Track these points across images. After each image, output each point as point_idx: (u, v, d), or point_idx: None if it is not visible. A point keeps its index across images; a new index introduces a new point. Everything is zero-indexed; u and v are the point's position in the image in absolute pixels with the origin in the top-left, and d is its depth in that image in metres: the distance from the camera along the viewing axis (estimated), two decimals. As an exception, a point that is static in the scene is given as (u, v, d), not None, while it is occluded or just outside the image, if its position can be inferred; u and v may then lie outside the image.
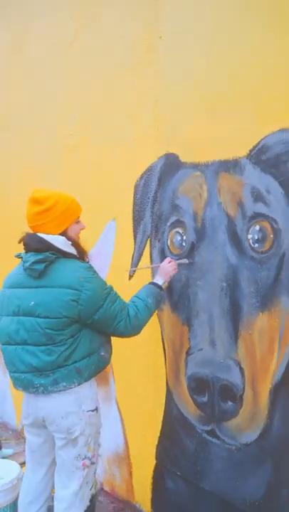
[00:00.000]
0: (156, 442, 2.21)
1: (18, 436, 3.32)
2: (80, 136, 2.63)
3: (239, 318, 1.79)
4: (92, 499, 2.10)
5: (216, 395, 1.86)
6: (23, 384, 1.71)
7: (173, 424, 2.10)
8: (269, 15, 1.67)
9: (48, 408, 1.70)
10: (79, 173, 2.62)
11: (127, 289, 1.98)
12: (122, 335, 1.76)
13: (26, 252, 1.73)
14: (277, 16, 1.64)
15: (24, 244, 1.73)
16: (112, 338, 1.84)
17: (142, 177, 2.22)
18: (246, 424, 1.78)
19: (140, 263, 2.24)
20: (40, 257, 1.65)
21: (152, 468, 2.25)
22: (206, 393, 1.90)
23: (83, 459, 1.73)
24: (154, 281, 1.90)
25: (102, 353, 1.76)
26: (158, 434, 2.19)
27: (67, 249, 1.72)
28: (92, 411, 1.75)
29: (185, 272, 1.99)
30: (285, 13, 1.62)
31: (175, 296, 2.05)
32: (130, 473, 2.40)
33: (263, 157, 1.70)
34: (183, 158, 2.01)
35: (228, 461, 1.85)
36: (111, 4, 2.39)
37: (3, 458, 2.75)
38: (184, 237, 2.00)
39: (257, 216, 1.73)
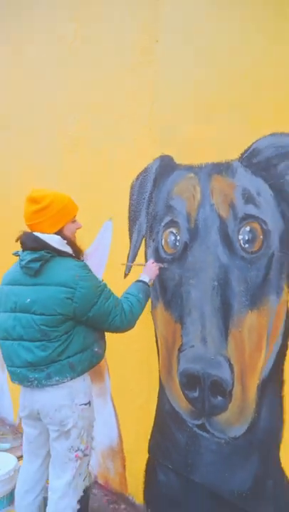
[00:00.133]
0: (148, 436, 2.27)
1: (16, 431, 3.37)
2: (79, 138, 2.67)
3: (229, 316, 1.84)
4: (86, 491, 2.16)
5: (207, 390, 1.91)
6: (18, 378, 1.77)
7: (165, 418, 2.16)
8: (264, 23, 1.71)
9: (43, 401, 1.76)
10: (77, 174, 2.67)
11: (123, 286, 2.03)
12: (117, 329, 1.82)
13: (23, 251, 1.78)
14: (271, 24, 1.69)
15: (21, 243, 1.79)
16: (106, 334, 1.90)
17: (137, 178, 2.27)
18: (235, 418, 1.83)
19: (135, 261, 2.30)
20: (35, 255, 1.70)
21: (145, 462, 2.30)
22: (197, 388, 1.96)
23: (76, 451, 1.79)
24: (141, 278, 1.99)
25: (96, 349, 1.82)
26: (151, 429, 2.25)
27: (62, 248, 1.76)
28: (85, 404, 1.81)
29: (178, 271, 2.04)
30: (279, 22, 1.67)
31: (168, 295, 2.11)
32: (124, 467, 2.46)
33: (254, 160, 1.75)
34: (177, 160, 2.07)
35: (218, 454, 1.91)
36: (110, 5, 2.43)
37: (1, 451, 2.80)
38: (178, 237, 2.05)
39: (247, 217, 1.78)
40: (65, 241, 1.78)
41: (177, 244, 2.06)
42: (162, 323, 2.16)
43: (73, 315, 1.71)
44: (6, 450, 2.99)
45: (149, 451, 2.28)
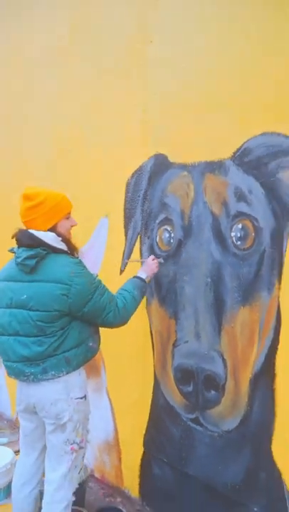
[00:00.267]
0: (144, 431, 2.31)
1: (13, 426, 3.39)
2: (75, 137, 2.69)
3: (222, 312, 1.88)
4: (82, 485, 2.20)
5: (200, 384, 1.95)
6: (15, 372, 1.80)
7: (160, 412, 2.19)
8: (255, 26, 1.74)
9: (39, 395, 1.79)
10: (74, 172, 2.69)
11: (119, 283, 2.06)
12: (110, 325, 1.85)
13: (18, 247, 1.81)
14: (269, 24, 1.71)
15: (16, 240, 1.81)
16: (100, 329, 1.93)
17: (132, 176, 2.30)
18: (228, 412, 1.87)
19: (131, 258, 2.33)
20: (31, 252, 1.73)
21: (140, 456, 2.34)
22: (190, 383, 1.99)
23: (72, 444, 1.82)
24: (138, 275, 2.00)
25: (91, 344, 1.85)
26: (146, 423, 2.29)
27: (57, 245, 1.79)
28: (81, 398, 1.84)
29: (173, 267, 2.08)
30: (268, 25, 1.70)
31: (163, 291, 2.14)
32: (119, 460, 2.50)
33: (246, 159, 1.78)
34: (171, 159, 2.09)
35: (211, 447, 1.95)
36: (105, 7, 2.45)
37: (-2, 446, 2.84)
38: (172, 234, 2.08)
39: (240, 215, 1.82)
40: (60, 238, 1.80)
41: (171, 241, 2.09)
42: (157, 318, 2.19)
43: (69, 311, 1.74)
44: (3, 444, 3.02)
45: (144, 445, 2.32)
